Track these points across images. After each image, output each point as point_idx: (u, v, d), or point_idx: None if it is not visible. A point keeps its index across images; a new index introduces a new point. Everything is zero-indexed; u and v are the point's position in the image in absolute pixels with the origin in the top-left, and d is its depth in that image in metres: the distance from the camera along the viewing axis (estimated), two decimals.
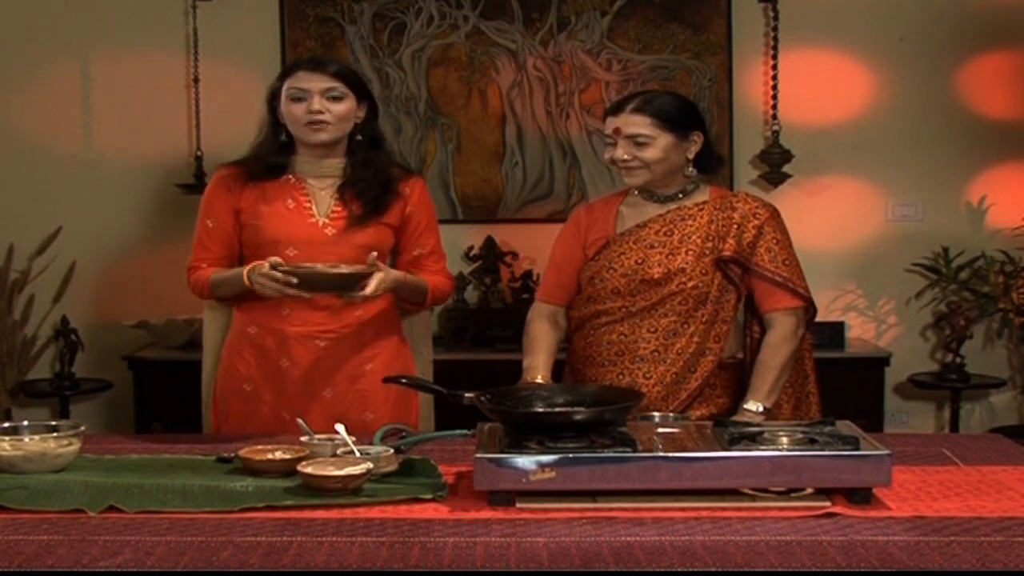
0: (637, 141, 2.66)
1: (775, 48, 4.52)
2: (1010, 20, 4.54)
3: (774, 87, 4.53)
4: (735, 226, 2.70)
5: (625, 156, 2.67)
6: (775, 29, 4.51)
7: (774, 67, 4.52)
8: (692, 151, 2.70)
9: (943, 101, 4.56)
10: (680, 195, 2.75)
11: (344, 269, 2.57)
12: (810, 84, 4.56)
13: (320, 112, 2.67)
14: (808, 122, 4.57)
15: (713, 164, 2.77)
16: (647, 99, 2.69)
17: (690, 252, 2.69)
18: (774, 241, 2.71)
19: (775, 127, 4.51)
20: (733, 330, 2.74)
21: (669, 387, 2.69)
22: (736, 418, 2.50)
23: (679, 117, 2.67)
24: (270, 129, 2.78)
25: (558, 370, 2.83)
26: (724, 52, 4.54)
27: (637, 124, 2.65)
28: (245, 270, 2.59)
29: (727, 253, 2.69)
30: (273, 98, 2.76)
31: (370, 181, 2.74)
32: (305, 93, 2.68)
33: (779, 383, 2.67)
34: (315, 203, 2.74)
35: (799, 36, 4.53)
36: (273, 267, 2.51)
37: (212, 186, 2.80)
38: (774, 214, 2.75)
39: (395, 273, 2.67)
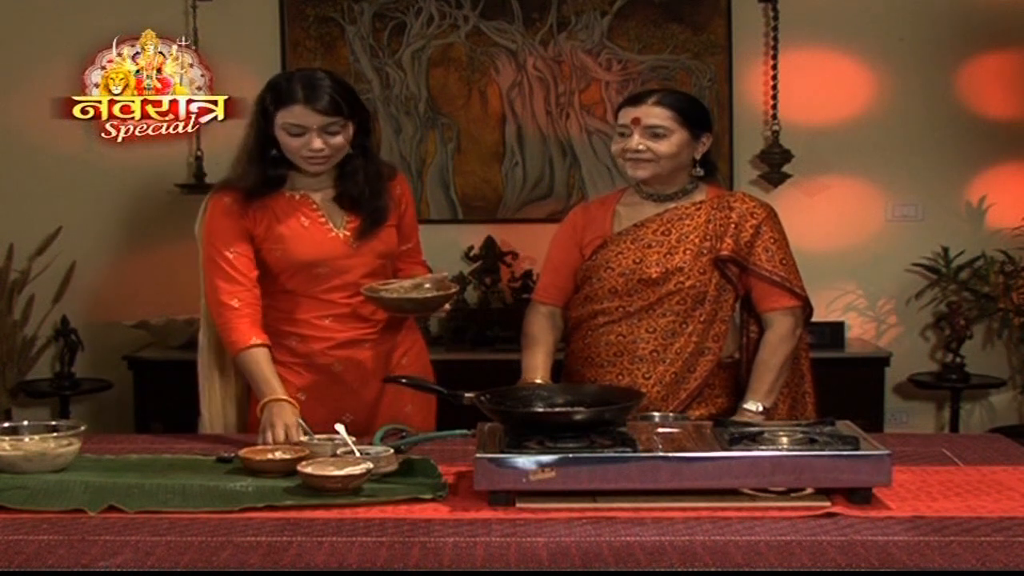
0: (655, 132, 2.66)
1: (775, 48, 4.52)
2: (1010, 20, 4.54)
3: (774, 87, 4.53)
4: (732, 225, 2.70)
5: (640, 147, 2.66)
6: (775, 29, 4.51)
7: (774, 67, 4.52)
8: (700, 152, 2.72)
9: (943, 101, 4.56)
10: (678, 195, 2.75)
11: (428, 287, 2.59)
12: (810, 84, 4.56)
13: (321, 149, 2.60)
14: (808, 122, 4.57)
15: (709, 169, 2.78)
16: (668, 92, 2.77)
17: (688, 251, 2.69)
18: (771, 240, 2.71)
19: (775, 127, 4.51)
20: (731, 330, 2.75)
21: (668, 387, 2.69)
22: (735, 418, 2.51)
23: (696, 115, 2.71)
24: (259, 143, 2.66)
25: (556, 371, 2.82)
26: (724, 52, 4.54)
27: (658, 116, 2.66)
28: (263, 402, 2.52)
29: (725, 252, 2.69)
30: (263, 112, 2.63)
31: (365, 189, 2.70)
32: (303, 130, 2.59)
33: (778, 383, 2.68)
34: (328, 217, 2.70)
35: (799, 36, 4.53)
36: (364, 291, 2.57)
37: (217, 215, 2.68)
38: (771, 213, 2.75)
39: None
